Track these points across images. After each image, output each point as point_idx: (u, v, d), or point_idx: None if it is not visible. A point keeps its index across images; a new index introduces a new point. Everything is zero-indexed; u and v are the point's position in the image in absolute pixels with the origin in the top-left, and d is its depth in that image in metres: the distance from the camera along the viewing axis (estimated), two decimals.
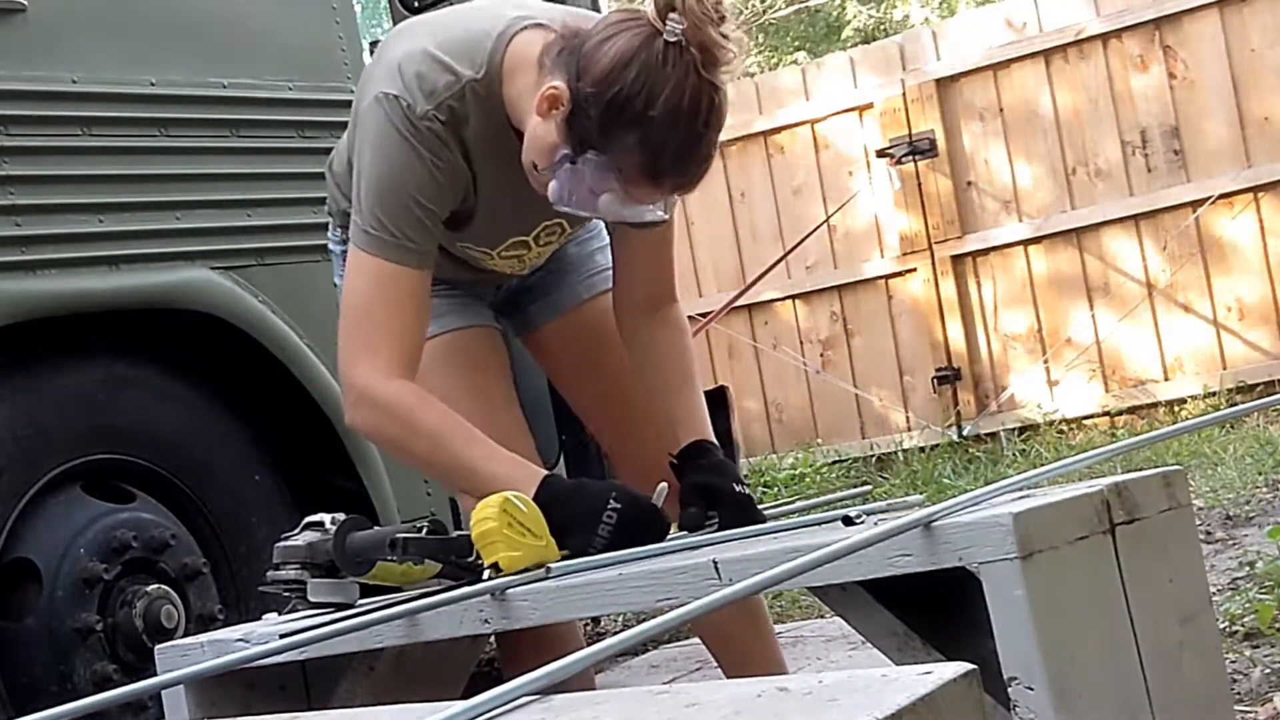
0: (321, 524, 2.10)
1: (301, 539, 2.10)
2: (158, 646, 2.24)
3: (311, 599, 2.07)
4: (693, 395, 2.38)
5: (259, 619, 2.30)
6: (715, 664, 2.72)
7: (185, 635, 2.93)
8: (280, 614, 2.18)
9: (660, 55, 1.97)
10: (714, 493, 2.20)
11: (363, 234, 2.16)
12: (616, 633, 2.55)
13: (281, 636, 1.94)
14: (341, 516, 2.09)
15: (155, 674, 2.14)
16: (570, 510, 2.05)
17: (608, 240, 2.54)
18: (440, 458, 2.17)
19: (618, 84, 1.98)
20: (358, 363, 2.15)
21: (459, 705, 1.23)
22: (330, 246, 2.56)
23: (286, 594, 2.11)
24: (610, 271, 2.49)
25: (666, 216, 2.13)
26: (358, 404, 2.17)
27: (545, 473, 2.13)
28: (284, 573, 2.09)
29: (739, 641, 2.58)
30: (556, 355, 2.61)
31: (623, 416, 2.55)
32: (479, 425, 2.19)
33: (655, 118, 1.97)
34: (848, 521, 1.77)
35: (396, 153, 2.13)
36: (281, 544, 2.11)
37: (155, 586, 2.99)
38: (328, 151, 3.40)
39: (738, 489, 2.22)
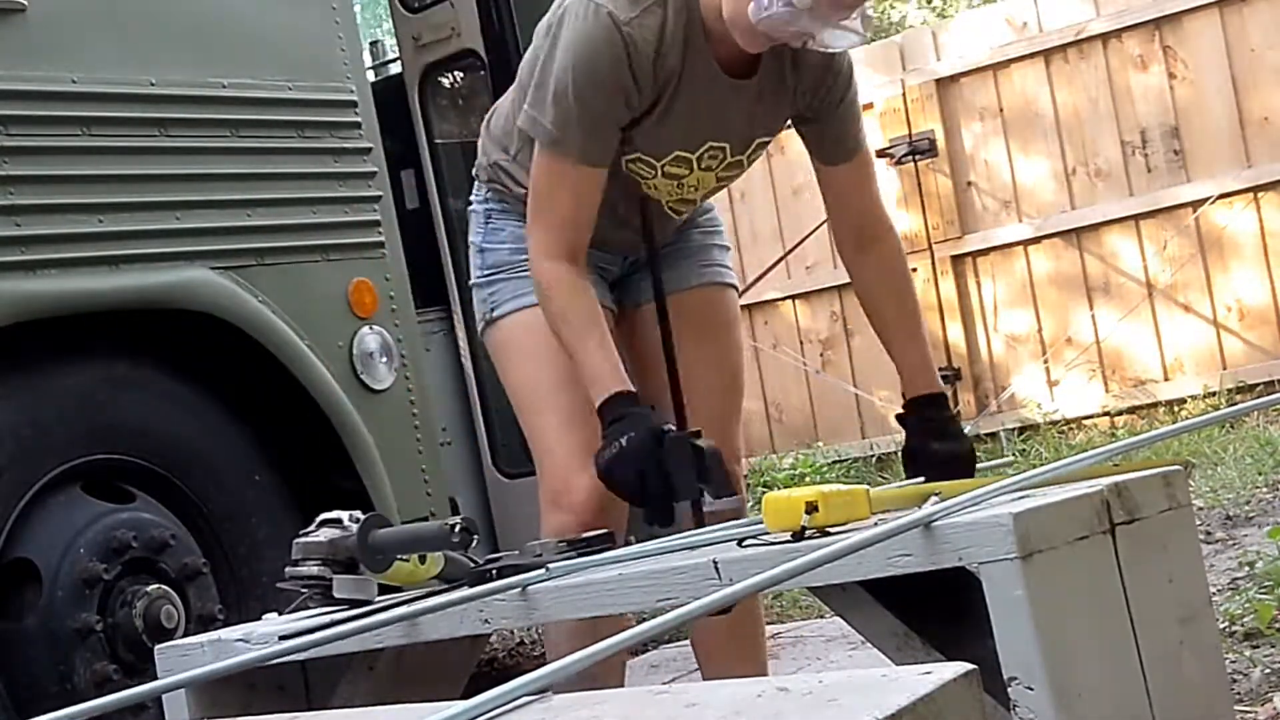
0: (339, 521, 2.12)
1: (323, 535, 2.11)
2: (158, 647, 2.24)
3: (336, 594, 2.09)
4: (907, 342, 2.60)
5: (259, 619, 2.30)
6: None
7: (185, 635, 2.93)
8: (290, 610, 2.18)
9: None
10: (918, 457, 2.41)
11: (549, 131, 2.35)
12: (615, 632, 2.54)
13: (281, 638, 1.94)
14: (359, 515, 2.11)
15: (155, 675, 2.14)
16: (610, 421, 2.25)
17: (718, 236, 2.77)
18: (560, 332, 2.38)
19: None
20: (534, 238, 2.40)
21: (459, 705, 1.23)
22: (473, 205, 2.68)
23: (304, 589, 2.12)
24: (723, 269, 2.73)
25: (866, 35, 2.29)
26: (532, 269, 2.42)
27: (618, 390, 2.28)
28: (304, 568, 2.10)
29: (733, 653, 2.63)
30: (644, 334, 2.64)
31: (684, 408, 2.57)
32: (565, 395, 2.44)
33: None
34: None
35: (592, 58, 2.29)
36: (302, 540, 2.13)
37: (155, 586, 2.99)
38: (328, 151, 3.44)
39: (941, 447, 2.40)
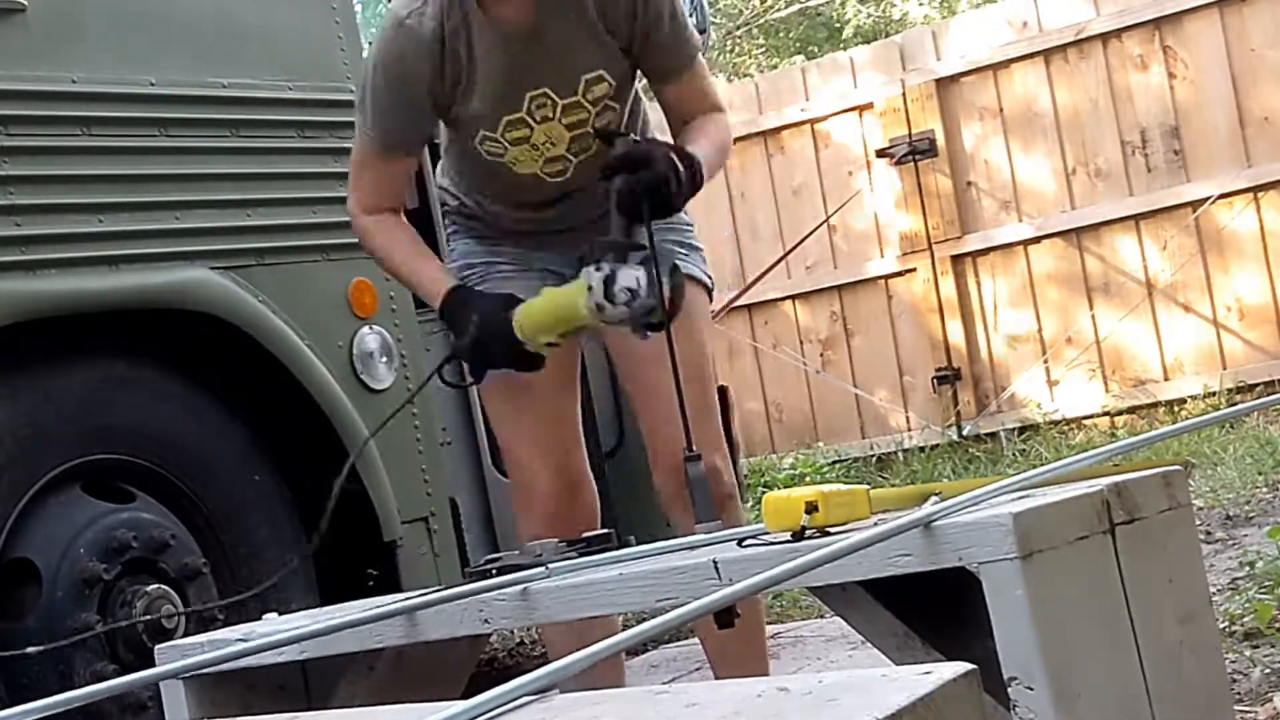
0: None
1: None
2: (158, 646, 2.24)
3: None
4: (697, 139, 2.55)
5: (259, 619, 2.30)
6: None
7: (185, 635, 2.93)
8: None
9: None
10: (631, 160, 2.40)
11: (358, 122, 2.62)
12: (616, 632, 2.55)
13: (280, 638, 1.94)
14: None
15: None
16: (451, 318, 2.53)
17: (686, 234, 2.75)
18: (387, 263, 2.69)
19: None
20: (350, 201, 2.70)
21: (459, 705, 1.23)
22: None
23: None
24: (685, 263, 2.65)
25: None
26: (352, 224, 2.70)
27: (453, 284, 2.57)
28: None
29: (733, 654, 2.66)
30: (624, 338, 2.64)
31: (660, 402, 2.60)
32: (526, 413, 2.67)
33: None
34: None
35: (382, 58, 2.54)
36: None
37: (155, 586, 2.98)
38: (328, 151, 3.44)
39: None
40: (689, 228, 2.79)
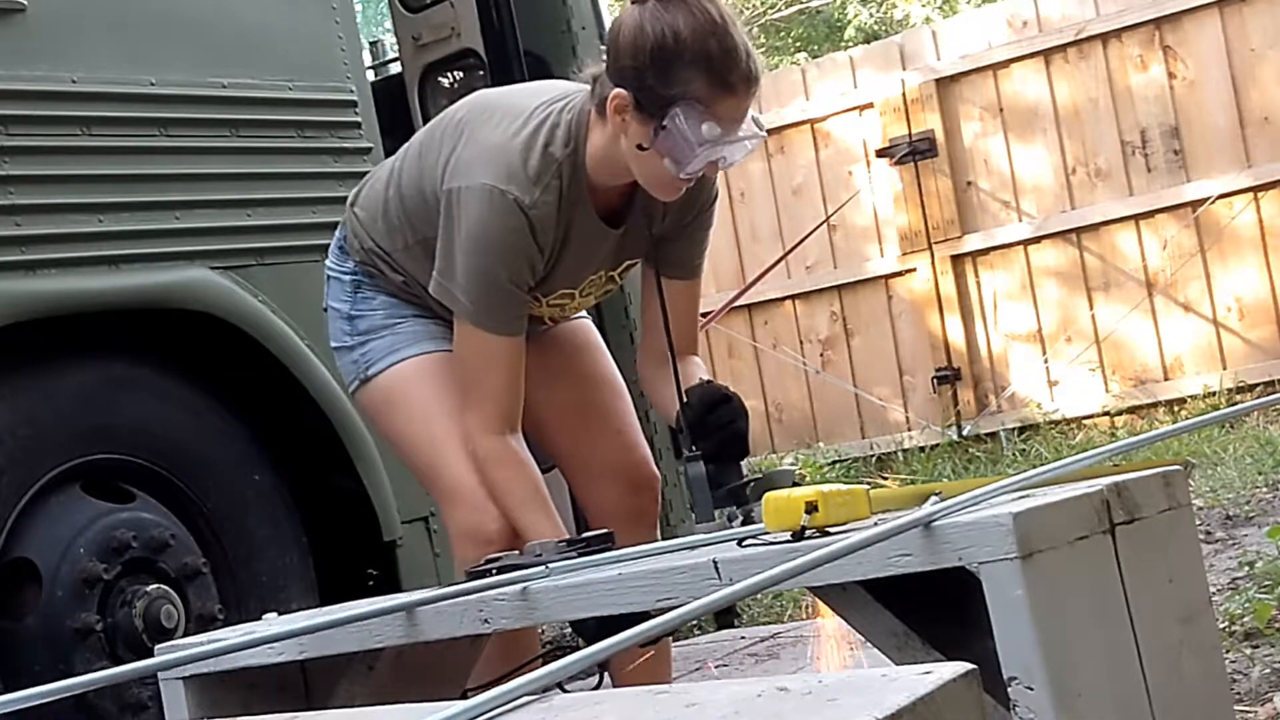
0: None
1: None
2: (158, 646, 2.24)
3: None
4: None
5: (259, 619, 2.30)
6: (715, 664, 2.74)
7: (185, 635, 2.93)
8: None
9: (655, 5, 2.26)
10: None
11: (468, 308, 2.41)
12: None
13: (281, 637, 1.94)
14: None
15: (155, 675, 2.14)
16: None
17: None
18: (503, 503, 2.44)
19: (646, 41, 2.25)
20: (472, 414, 2.46)
21: (459, 705, 1.23)
22: (334, 270, 2.68)
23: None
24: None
25: (763, 132, 2.36)
26: (474, 445, 2.46)
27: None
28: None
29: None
30: (541, 354, 2.68)
31: (584, 423, 2.68)
32: (457, 438, 2.48)
33: (688, 39, 2.23)
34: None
35: (501, 245, 2.37)
36: None
37: (155, 586, 2.99)
38: (328, 151, 3.44)
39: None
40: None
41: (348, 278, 2.65)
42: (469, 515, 2.48)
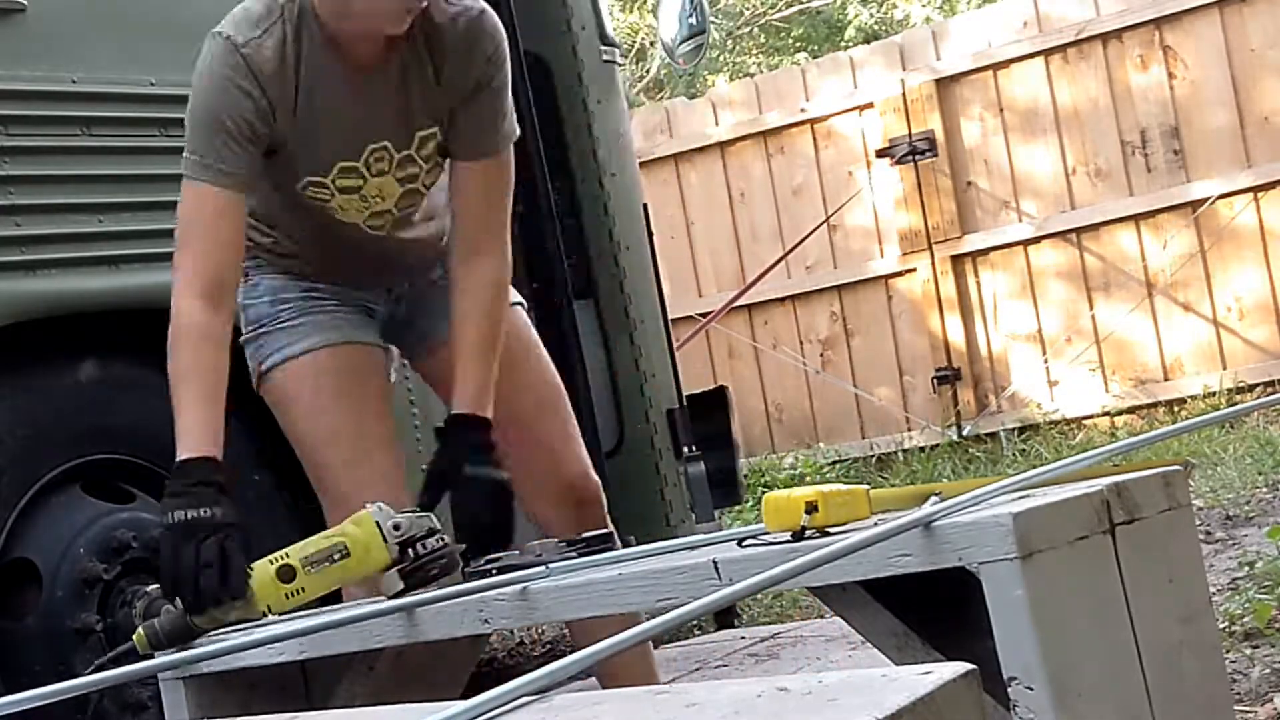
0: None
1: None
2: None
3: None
4: (474, 362, 2.43)
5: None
6: (715, 664, 2.73)
7: None
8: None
9: None
10: (447, 477, 2.36)
11: (186, 161, 2.33)
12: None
13: (281, 637, 1.94)
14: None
15: (154, 675, 2.14)
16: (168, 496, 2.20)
17: None
18: (173, 383, 2.34)
19: None
20: (178, 271, 2.35)
21: (459, 705, 1.23)
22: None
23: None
24: None
25: None
26: (172, 307, 2.34)
27: (202, 454, 2.23)
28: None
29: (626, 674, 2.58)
30: (443, 383, 2.59)
31: (515, 443, 2.53)
32: (345, 438, 2.47)
33: None
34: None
35: (210, 82, 2.31)
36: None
37: (155, 586, 2.97)
38: None
39: (475, 472, 2.34)
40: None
41: (248, 260, 2.56)
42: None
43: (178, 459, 2.22)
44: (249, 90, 2.30)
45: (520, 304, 2.68)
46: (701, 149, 8.07)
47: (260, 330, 2.57)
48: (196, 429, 2.26)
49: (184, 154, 2.35)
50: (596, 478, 2.67)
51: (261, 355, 2.56)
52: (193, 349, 2.31)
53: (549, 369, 2.69)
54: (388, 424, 2.57)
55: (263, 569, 2.07)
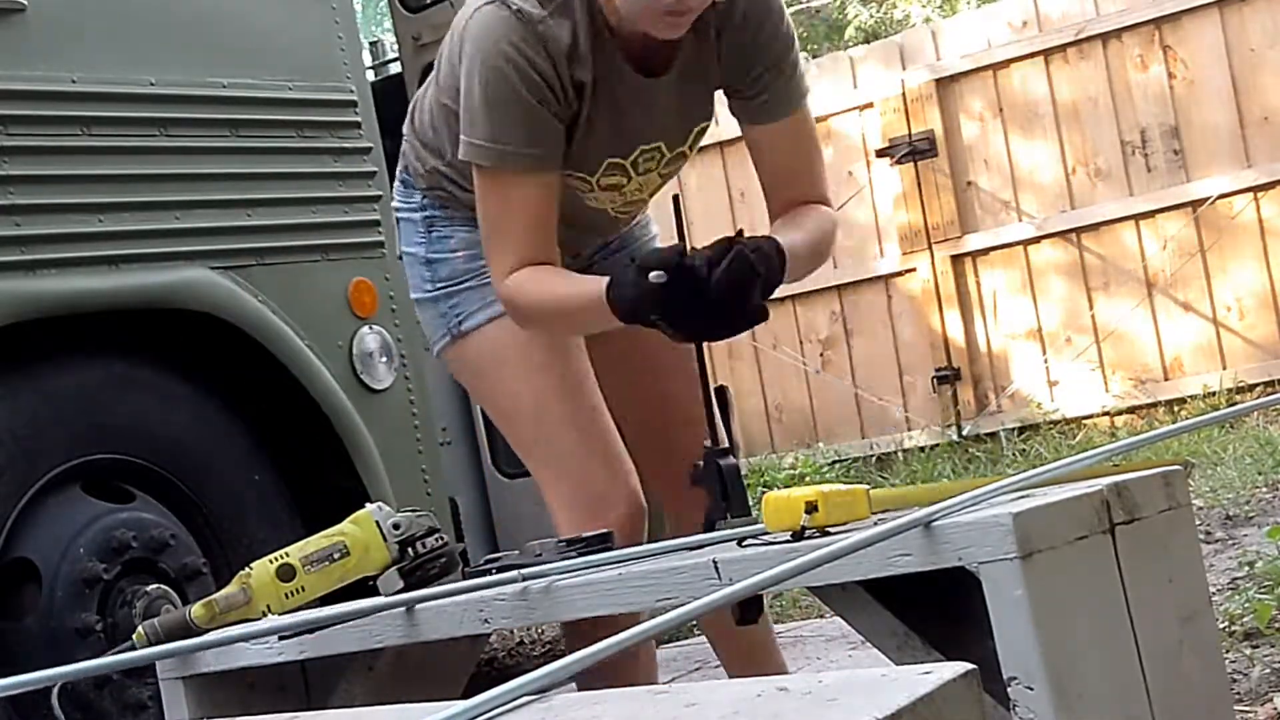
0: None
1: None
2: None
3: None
4: (795, 233, 2.27)
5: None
6: (715, 664, 2.72)
7: None
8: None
9: None
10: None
11: (484, 151, 2.18)
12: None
13: (281, 636, 1.94)
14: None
15: (155, 675, 2.15)
16: (623, 295, 2.08)
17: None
18: (545, 313, 2.23)
19: None
20: (493, 267, 2.22)
21: (459, 705, 1.23)
22: (402, 212, 2.48)
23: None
24: None
25: None
26: (498, 295, 2.24)
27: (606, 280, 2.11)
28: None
29: (744, 635, 2.48)
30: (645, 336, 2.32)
31: (658, 412, 2.49)
32: (570, 394, 2.32)
33: None
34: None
35: (510, 56, 2.14)
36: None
37: (155, 586, 2.99)
38: (328, 151, 3.44)
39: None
40: (650, 224, 2.64)
41: (418, 215, 2.43)
42: (589, 497, 2.31)
43: (605, 288, 2.09)
44: (546, 72, 2.15)
45: None
46: (701, 148, 8.04)
47: (457, 286, 2.39)
48: (589, 280, 2.17)
49: (471, 140, 2.19)
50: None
51: (462, 311, 2.39)
52: (536, 284, 2.19)
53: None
54: (587, 370, 2.40)
55: (262, 568, 2.07)
